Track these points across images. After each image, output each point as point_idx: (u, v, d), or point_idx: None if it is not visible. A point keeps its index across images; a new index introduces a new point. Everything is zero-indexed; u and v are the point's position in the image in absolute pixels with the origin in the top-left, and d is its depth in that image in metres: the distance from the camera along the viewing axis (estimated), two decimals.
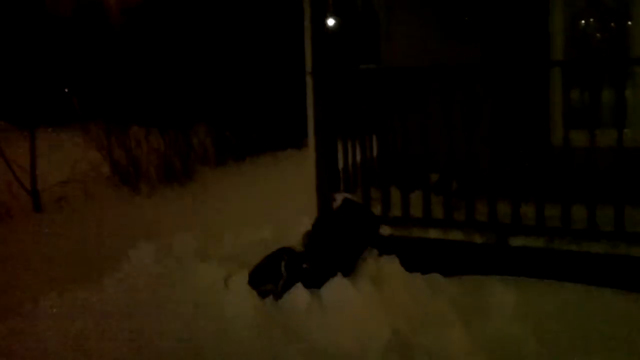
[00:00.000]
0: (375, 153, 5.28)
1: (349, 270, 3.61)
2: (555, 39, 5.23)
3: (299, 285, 3.39)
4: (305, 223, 4.08)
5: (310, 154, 5.13)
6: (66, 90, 12.82)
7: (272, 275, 3.69)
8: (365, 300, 3.26)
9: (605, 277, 3.91)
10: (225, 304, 3.42)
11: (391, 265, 3.62)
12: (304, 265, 3.65)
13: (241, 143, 12.24)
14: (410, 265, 3.82)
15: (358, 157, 4.99)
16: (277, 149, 12.45)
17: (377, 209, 4.78)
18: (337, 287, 3.29)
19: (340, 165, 5.04)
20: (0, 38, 11.53)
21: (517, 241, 4.25)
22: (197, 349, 3.33)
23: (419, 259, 4.15)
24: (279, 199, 7.60)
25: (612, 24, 5.42)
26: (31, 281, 5.19)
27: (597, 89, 4.14)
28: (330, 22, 13.91)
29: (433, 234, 4.54)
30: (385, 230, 4.71)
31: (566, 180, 4.11)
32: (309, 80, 5.06)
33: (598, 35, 5.52)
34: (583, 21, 5.37)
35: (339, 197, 3.92)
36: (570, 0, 5.24)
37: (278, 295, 3.51)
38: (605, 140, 4.13)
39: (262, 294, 3.54)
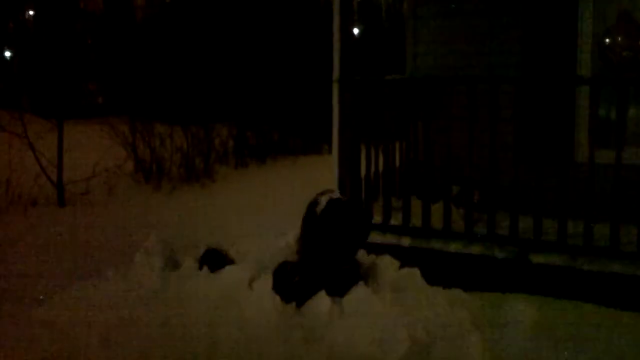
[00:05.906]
0: (397, 162, 5.32)
1: (343, 278, 3.45)
2: (583, 54, 5.23)
3: (322, 292, 3.44)
4: None
5: (333, 160, 5.17)
6: (92, 88, 13.01)
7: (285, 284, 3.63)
8: (386, 310, 3.30)
9: (626, 299, 3.90)
10: (248, 306, 3.49)
11: (413, 277, 3.65)
12: (296, 279, 3.50)
13: (262, 144, 12.32)
14: (431, 277, 3.85)
15: (380, 166, 5.04)
16: (298, 153, 12.52)
17: (397, 219, 4.82)
18: (359, 295, 3.35)
19: (363, 173, 5.09)
20: (34, 30, 11.80)
21: (538, 258, 4.25)
22: (217, 346, 3.40)
23: (439, 271, 4.17)
24: (301, 204, 7.62)
25: None
26: (54, 273, 5.31)
27: (624, 106, 4.13)
28: (355, 30, 13.96)
29: (453, 246, 4.56)
30: (405, 241, 4.76)
31: (589, 197, 4.10)
32: (335, 88, 5.11)
33: (625, 53, 5.50)
34: (609, 39, 5.34)
35: (323, 200, 3.57)
36: (599, 17, 5.24)
37: (299, 302, 3.54)
38: (630, 158, 4.12)
39: (286, 299, 3.59)
